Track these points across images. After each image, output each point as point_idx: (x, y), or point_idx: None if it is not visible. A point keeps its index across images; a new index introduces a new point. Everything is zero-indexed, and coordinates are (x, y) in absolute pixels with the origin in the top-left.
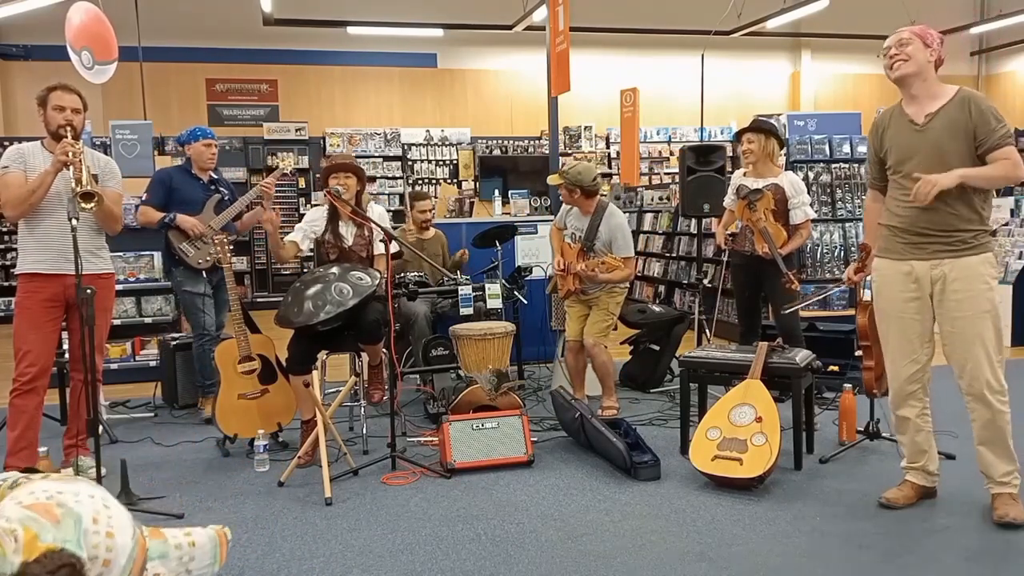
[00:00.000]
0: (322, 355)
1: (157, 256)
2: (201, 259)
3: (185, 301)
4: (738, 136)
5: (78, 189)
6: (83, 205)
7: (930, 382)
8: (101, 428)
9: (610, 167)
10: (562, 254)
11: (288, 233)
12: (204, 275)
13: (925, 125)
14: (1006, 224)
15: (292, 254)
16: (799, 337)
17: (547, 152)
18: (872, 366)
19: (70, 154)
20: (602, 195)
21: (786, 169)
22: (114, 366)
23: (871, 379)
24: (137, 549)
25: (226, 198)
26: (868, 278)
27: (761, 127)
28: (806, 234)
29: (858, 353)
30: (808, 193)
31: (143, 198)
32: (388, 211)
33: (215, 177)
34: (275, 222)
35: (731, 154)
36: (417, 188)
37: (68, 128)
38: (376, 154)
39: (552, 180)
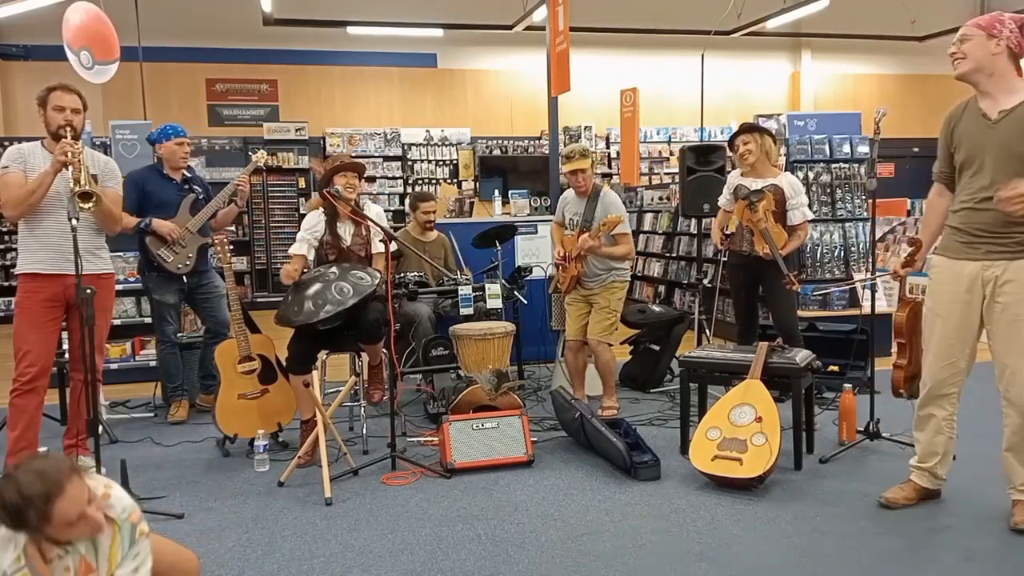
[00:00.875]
0: (322, 355)
1: None
2: (180, 264)
3: (153, 307)
4: (732, 141)
5: (76, 188)
6: (81, 205)
7: (963, 389)
8: (101, 428)
9: (610, 167)
10: (562, 245)
11: (283, 237)
12: (177, 283)
13: (997, 121)
14: None
15: (302, 266)
16: (797, 337)
17: (547, 152)
18: (904, 364)
19: (69, 154)
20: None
21: (785, 169)
22: (114, 366)
23: (900, 378)
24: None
25: (201, 197)
26: (916, 274)
27: (753, 127)
28: (804, 235)
29: (893, 350)
30: (808, 193)
31: None
32: (388, 211)
33: (188, 176)
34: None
35: (731, 154)
36: (419, 189)
37: (68, 128)
38: (376, 154)
39: (582, 163)
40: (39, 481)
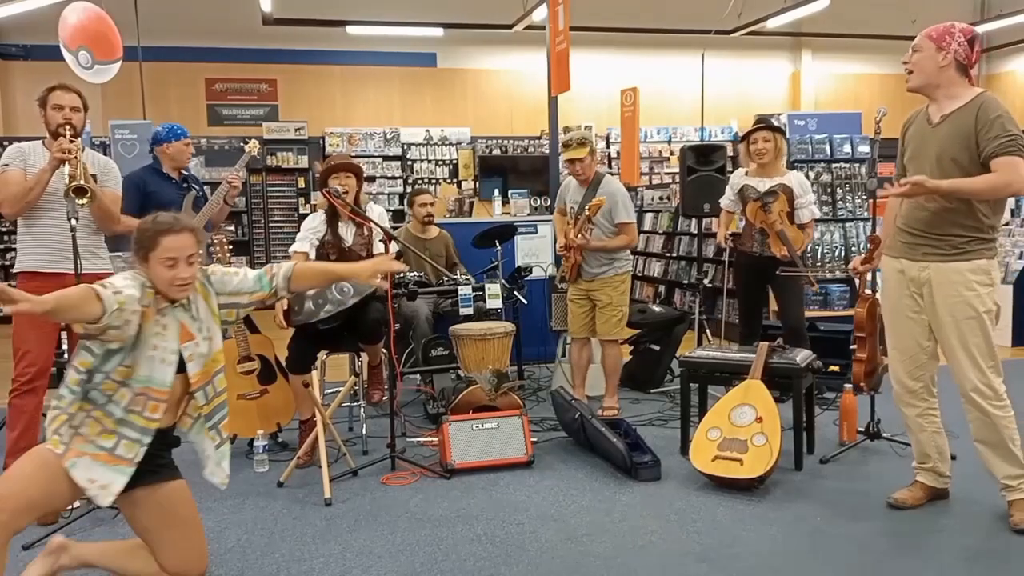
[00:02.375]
0: (322, 355)
1: None
2: (223, 261)
3: None
4: (747, 136)
5: (71, 184)
6: (77, 201)
7: (935, 383)
8: None
9: (610, 167)
10: (564, 235)
11: (283, 237)
12: None
13: (937, 125)
14: (1006, 224)
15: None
16: (804, 336)
17: (547, 152)
18: (864, 359)
19: (66, 151)
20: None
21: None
22: None
23: (860, 372)
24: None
25: (200, 195)
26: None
27: (772, 126)
28: (810, 233)
29: (853, 346)
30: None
31: None
32: (388, 211)
33: (185, 174)
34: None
35: (731, 154)
36: (415, 187)
37: (67, 127)
38: (376, 154)
39: (580, 152)
40: (170, 217)
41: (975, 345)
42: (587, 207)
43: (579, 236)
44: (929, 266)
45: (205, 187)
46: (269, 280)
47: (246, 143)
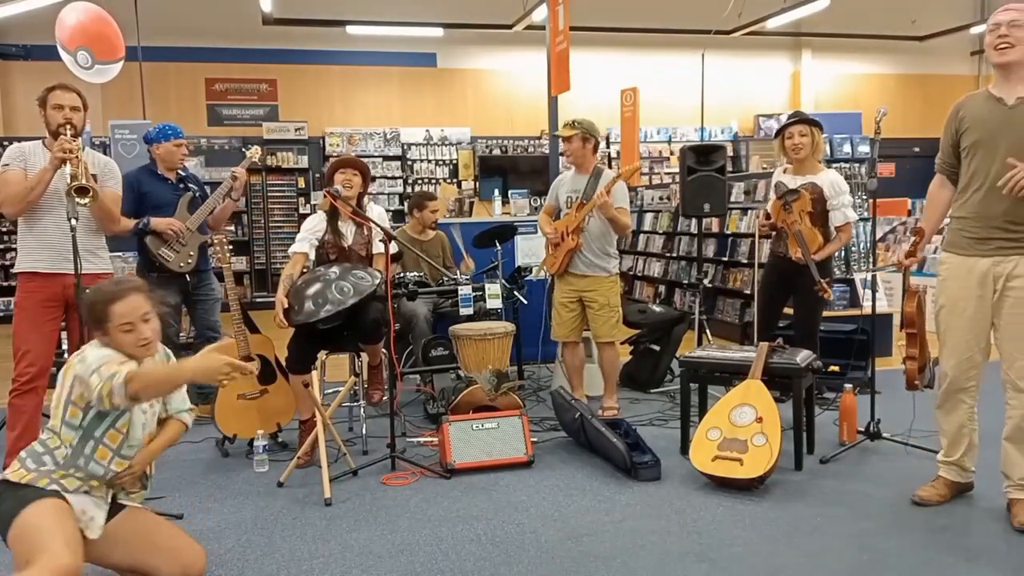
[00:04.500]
0: (322, 355)
1: None
2: (182, 262)
3: None
4: (782, 130)
5: (72, 183)
6: (78, 200)
7: (981, 383)
8: None
9: (610, 167)
10: (555, 228)
11: (282, 237)
12: (178, 283)
13: (1015, 106)
14: None
15: (302, 266)
16: (815, 341)
17: (547, 152)
18: (916, 355)
19: (67, 150)
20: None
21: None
22: None
23: (914, 370)
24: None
25: (197, 195)
26: (918, 266)
27: (808, 118)
28: (846, 238)
29: (899, 343)
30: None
31: None
32: (388, 211)
33: (183, 175)
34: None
35: (731, 154)
36: (420, 188)
37: (68, 126)
38: (376, 154)
39: (565, 131)
40: (111, 284)
41: None
42: (627, 169)
43: (586, 217)
44: (1006, 260)
45: (206, 187)
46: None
47: (248, 147)
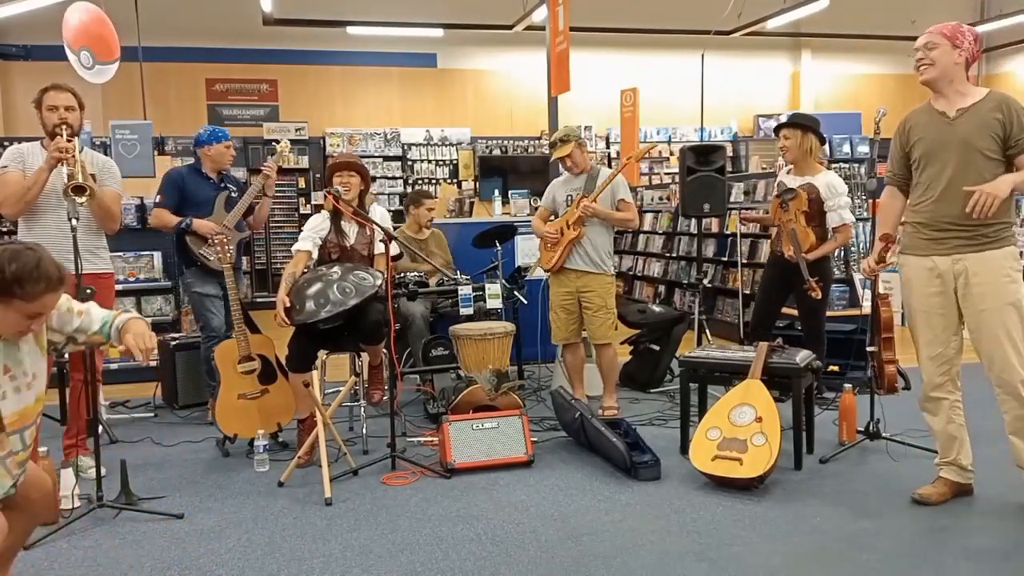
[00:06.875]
0: (322, 355)
1: (157, 256)
2: (222, 260)
3: (195, 302)
4: (776, 132)
5: (70, 182)
6: (76, 199)
7: (959, 377)
8: (101, 428)
9: (610, 167)
10: (556, 223)
11: (283, 237)
12: (218, 275)
13: (956, 119)
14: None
15: (305, 263)
16: (821, 341)
17: (547, 152)
18: (894, 359)
19: (62, 150)
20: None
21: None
22: (114, 366)
23: (894, 373)
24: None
25: (234, 194)
26: (887, 271)
27: (797, 123)
28: (842, 239)
29: (871, 349)
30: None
31: (156, 200)
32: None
33: (223, 174)
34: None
35: (731, 154)
36: (419, 188)
37: (64, 127)
38: (376, 154)
39: (564, 150)
40: (55, 269)
41: (1016, 331)
42: (642, 148)
43: (583, 210)
44: (963, 258)
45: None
46: (110, 326)
47: (277, 143)
